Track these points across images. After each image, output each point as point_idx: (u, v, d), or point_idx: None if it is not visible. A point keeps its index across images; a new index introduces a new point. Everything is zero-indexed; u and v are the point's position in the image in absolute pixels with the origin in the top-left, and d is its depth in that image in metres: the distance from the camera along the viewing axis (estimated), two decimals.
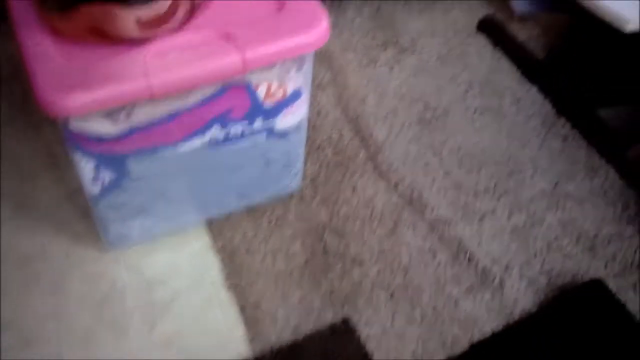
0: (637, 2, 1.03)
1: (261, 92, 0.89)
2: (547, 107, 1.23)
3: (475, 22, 1.40)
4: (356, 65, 1.29)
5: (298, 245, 1.00)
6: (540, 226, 1.05)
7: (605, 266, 1.02)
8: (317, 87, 1.23)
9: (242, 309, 0.94)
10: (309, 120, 0.99)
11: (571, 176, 1.12)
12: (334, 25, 1.36)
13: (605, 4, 1.02)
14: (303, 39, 0.84)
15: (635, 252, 1.03)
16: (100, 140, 0.82)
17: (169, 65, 0.78)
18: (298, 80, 0.90)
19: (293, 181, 1.05)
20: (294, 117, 0.95)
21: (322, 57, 1.28)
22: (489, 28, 1.39)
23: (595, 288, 0.98)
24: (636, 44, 1.10)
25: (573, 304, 0.96)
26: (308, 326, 0.93)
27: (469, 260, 1.01)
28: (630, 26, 0.99)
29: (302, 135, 0.99)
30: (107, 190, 0.88)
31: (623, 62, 1.22)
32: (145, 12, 0.78)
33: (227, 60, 0.80)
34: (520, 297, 0.98)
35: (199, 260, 0.98)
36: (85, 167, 0.84)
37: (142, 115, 0.82)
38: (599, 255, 1.03)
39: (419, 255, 1.01)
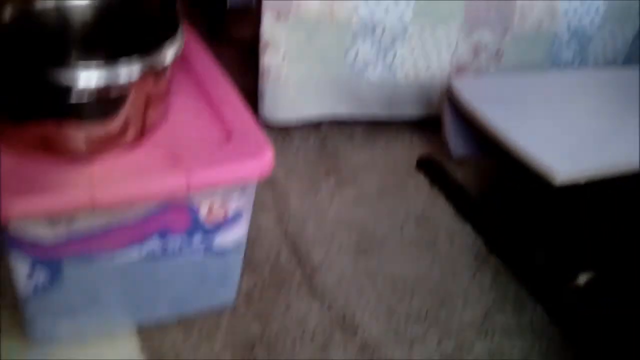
0: (567, 156, 1.07)
1: (203, 211, 0.93)
2: (479, 244, 1.29)
3: (414, 160, 1.49)
4: (298, 191, 1.35)
5: (227, 357, 1.01)
6: (468, 354, 1.08)
7: None
8: (259, 208, 1.27)
9: None
10: (248, 237, 1.02)
11: (500, 309, 1.17)
12: (280, 152, 1.42)
13: (536, 157, 1.06)
14: (247, 168, 0.89)
15: None
16: (37, 244, 0.84)
17: (114, 181, 0.81)
18: (240, 202, 0.95)
19: (227, 295, 1.07)
20: (233, 237, 0.98)
21: (266, 181, 1.33)
22: (428, 167, 1.47)
23: None
24: (562, 193, 1.15)
25: None
26: None
27: None
28: (559, 180, 1.03)
29: (240, 254, 1.03)
30: (39, 289, 0.89)
31: (550, 208, 1.29)
32: (96, 131, 0.83)
33: (172, 182, 0.84)
34: None
35: None
36: (20, 266, 0.86)
37: (82, 224, 0.84)
38: None
39: None
